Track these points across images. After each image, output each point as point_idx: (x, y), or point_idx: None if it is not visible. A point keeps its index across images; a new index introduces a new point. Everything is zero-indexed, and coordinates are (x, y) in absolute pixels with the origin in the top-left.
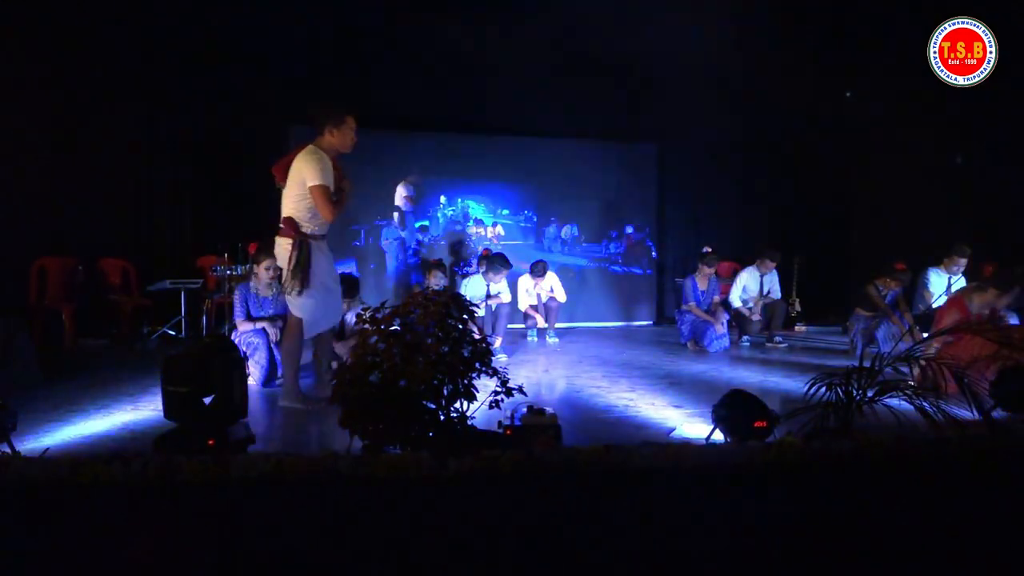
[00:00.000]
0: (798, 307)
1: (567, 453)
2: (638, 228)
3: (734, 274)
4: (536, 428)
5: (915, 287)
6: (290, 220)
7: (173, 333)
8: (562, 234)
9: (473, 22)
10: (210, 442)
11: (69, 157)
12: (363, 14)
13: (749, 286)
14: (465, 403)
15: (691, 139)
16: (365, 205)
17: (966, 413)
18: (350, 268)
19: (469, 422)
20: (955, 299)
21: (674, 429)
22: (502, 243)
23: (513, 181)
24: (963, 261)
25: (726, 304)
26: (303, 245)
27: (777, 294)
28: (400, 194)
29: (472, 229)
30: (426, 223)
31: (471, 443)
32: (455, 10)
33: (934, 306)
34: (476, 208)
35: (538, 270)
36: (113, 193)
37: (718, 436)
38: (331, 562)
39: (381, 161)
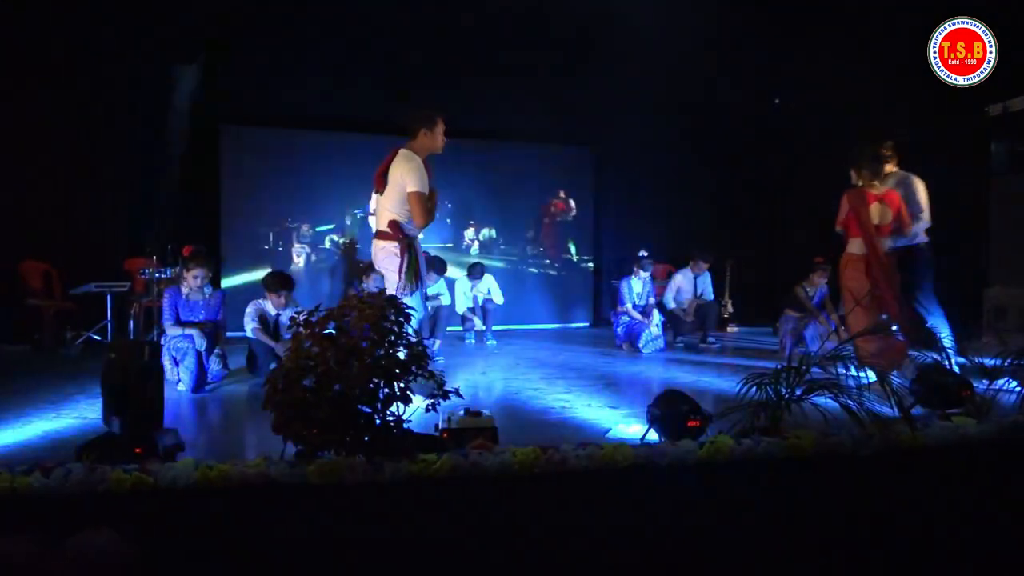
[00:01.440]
0: (730, 308)
1: (503, 455)
2: (550, 223)
3: (668, 276)
4: (473, 431)
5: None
6: (395, 223)
7: (98, 338)
8: (480, 236)
9: (392, 15)
10: (137, 450)
11: None
12: (287, 11)
13: (683, 288)
14: (401, 407)
15: (626, 142)
16: (275, 208)
17: (888, 410)
18: (261, 273)
19: (405, 426)
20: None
21: (610, 429)
22: (424, 246)
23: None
24: None
25: (660, 306)
26: (411, 247)
27: (710, 296)
28: (375, 198)
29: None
30: (331, 226)
31: (407, 447)
32: (375, 4)
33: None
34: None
35: (475, 272)
36: (34, 192)
37: (653, 436)
38: (263, 570)
39: (291, 161)
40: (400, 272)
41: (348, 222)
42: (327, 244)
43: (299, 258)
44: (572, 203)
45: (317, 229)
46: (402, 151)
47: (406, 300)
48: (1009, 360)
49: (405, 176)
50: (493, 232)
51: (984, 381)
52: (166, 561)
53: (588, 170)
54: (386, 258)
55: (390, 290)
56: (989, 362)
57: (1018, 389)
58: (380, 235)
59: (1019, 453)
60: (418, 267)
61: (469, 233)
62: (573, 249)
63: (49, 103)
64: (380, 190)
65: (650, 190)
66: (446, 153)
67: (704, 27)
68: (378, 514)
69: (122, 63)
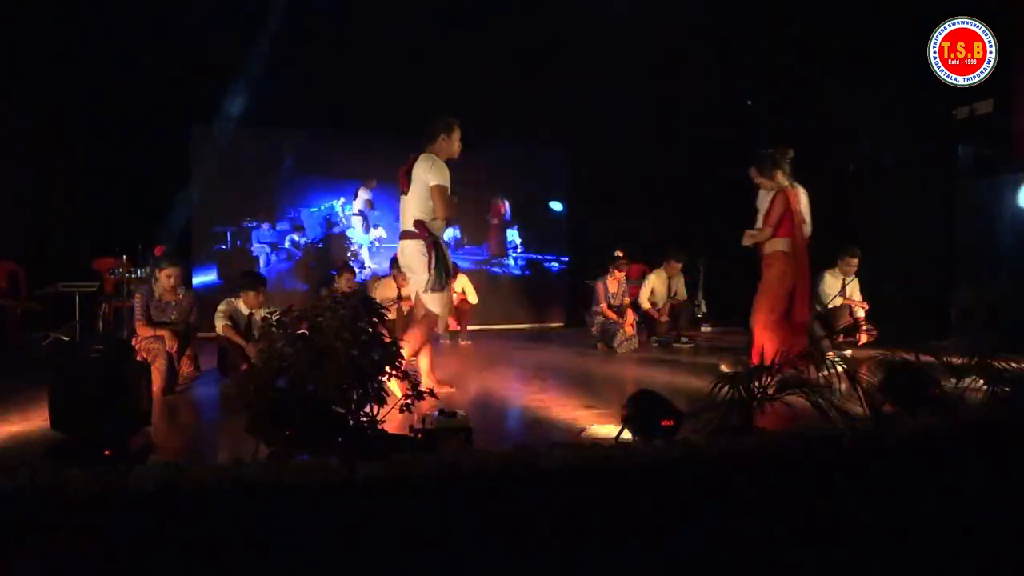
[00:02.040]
0: (704, 308)
1: (478, 455)
2: (499, 224)
3: (643, 276)
4: (447, 431)
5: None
6: (420, 223)
7: (67, 339)
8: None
9: (362, 16)
10: (107, 452)
11: None
12: (258, 12)
13: (657, 288)
14: (375, 407)
15: (600, 142)
16: (230, 207)
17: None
18: (211, 275)
19: (380, 426)
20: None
21: (584, 429)
22: (384, 246)
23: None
24: (854, 262)
25: (635, 306)
26: (438, 245)
27: (683, 296)
28: (362, 198)
29: (353, 230)
30: (300, 225)
31: (381, 448)
32: (345, 5)
33: (829, 307)
34: (338, 209)
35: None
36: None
37: (627, 435)
38: (235, 572)
39: (250, 158)
40: (429, 269)
41: (306, 221)
42: (287, 244)
43: (259, 257)
44: (507, 205)
45: (277, 228)
46: (423, 154)
47: (437, 295)
48: (976, 359)
49: (427, 172)
50: (456, 232)
51: (952, 380)
52: (135, 564)
53: (562, 170)
54: (412, 255)
55: (416, 287)
56: (957, 361)
57: (984, 387)
58: (406, 235)
59: (984, 450)
60: (447, 263)
61: None
62: (516, 238)
63: (15, 102)
64: (404, 191)
65: (625, 190)
66: (402, 151)
67: (679, 28)
68: (352, 515)
69: (90, 65)
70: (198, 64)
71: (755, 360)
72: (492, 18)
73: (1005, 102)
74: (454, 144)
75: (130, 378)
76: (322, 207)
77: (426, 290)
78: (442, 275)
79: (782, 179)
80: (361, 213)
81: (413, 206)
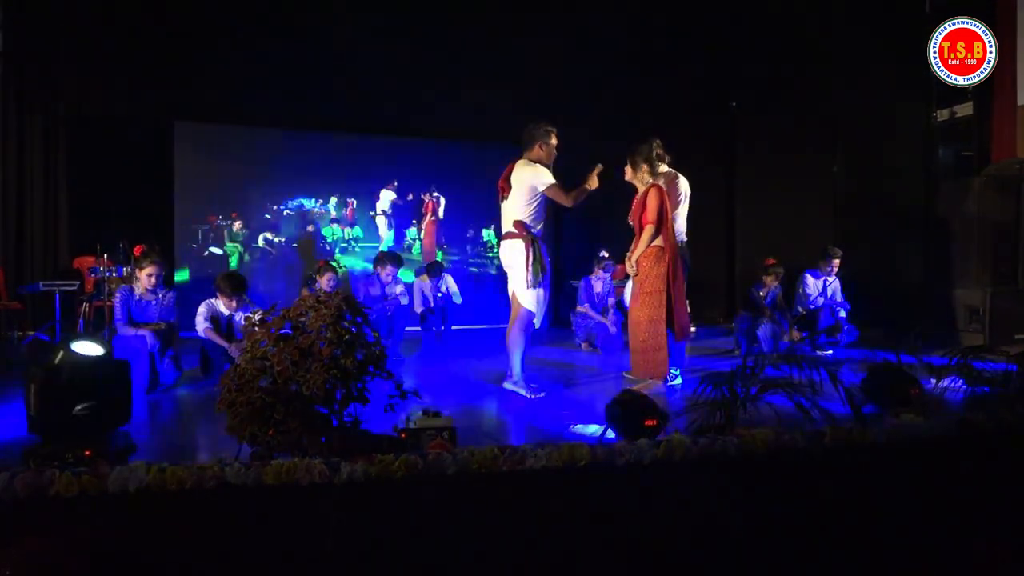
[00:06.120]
0: (687, 308)
1: (461, 455)
2: (435, 221)
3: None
4: (431, 430)
5: (794, 289)
6: (520, 223)
7: (47, 338)
8: (421, 235)
9: (347, 20)
10: (87, 453)
11: None
12: (244, 14)
13: None
14: (359, 407)
15: (583, 141)
16: (202, 205)
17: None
18: (183, 275)
19: (363, 426)
20: None
21: (568, 428)
22: (360, 245)
23: (370, 181)
24: (836, 262)
25: (619, 305)
26: (536, 244)
27: None
28: (386, 199)
29: (328, 229)
30: (274, 225)
31: (365, 448)
32: (330, 5)
33: (811, 307)
34: (309, 204)
35: (434, 271)
36: None
37: (611, 435)
38: (217, 573)
39: (224, 156)
40: (527, 266)
41: (279, 221)
42: (260, 243)
43: (232, 256)
44: (442, 201)
45: (250, 227)
46: (521, 161)
47: (532, 292)
48: (955, 359)
49: (533, 179)
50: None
51: (932, 380)
52: (117, 565)
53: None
54: (512, 254)
55: (517, 284)
56: (937, 361)
57: (964, 387)
58: (507, 235)
59: (963, 449)
60: (543, 260)
61: (411, 232)
62: (494, 238)
63: None
64: (505, 197)
65: (609, 190)
66: (393, 152)
67: (663, 24)
68: (334, 516)
69: (74, 62)
70: (180, 60)
71: (634, 370)
72: (469, 19)
73: (985, 105)
74: (551, 149)
75: (110, 376)
76: (304, 204)
77: (528, 287)
78: (538, 273)
79: (647, 175)
80: (384, 213)
81: (513, 209)
